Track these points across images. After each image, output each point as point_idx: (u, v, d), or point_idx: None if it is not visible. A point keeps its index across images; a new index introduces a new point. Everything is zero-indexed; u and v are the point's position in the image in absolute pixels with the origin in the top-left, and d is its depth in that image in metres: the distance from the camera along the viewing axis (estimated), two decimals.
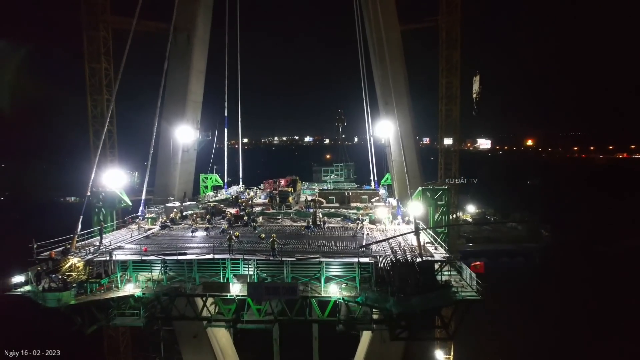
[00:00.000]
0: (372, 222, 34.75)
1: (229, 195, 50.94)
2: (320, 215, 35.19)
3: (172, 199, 44.67)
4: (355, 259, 25.12)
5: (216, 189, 55.22)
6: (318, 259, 25.23)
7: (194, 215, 36.97)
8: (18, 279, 27.99)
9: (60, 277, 25.76)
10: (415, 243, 27.00)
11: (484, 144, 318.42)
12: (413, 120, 44.20)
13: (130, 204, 37.29)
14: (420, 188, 33.79)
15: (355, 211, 38.55)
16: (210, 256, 26.05)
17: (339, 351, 55.90)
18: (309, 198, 43.97)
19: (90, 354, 48.32)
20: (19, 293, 26.58)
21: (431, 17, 47.60)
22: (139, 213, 37.75)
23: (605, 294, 71.16)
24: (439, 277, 24.92)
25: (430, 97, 53.87)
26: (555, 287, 75.33)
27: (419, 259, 24.76)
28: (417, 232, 27.02)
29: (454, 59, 47.07)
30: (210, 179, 55.49)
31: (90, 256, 26.67)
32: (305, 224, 34.44)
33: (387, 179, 53.89)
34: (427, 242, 28.83)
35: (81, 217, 30.27)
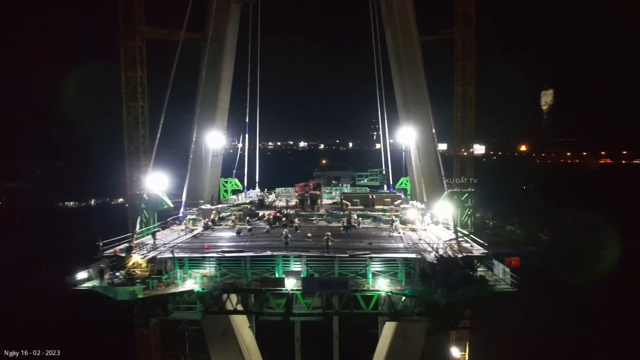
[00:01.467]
0: (403, 222, 37.00)
1: (251, 199, 52.98)
2: (355, 216, 37.39)
3: (202, 201, 46.56)
4: (402, 255, 27.31)
5: (235, 192, 57.14)
6: (368, 255, 27.37)
7: (233, 217, 38.88)
8: (81, 275, 29.84)
9: (124, 273, 27.58)
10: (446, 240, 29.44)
11: (479, 149, 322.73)
12: (433, 127, 46.76)
13: (172, 206, 39.16)
14: (448, 191, 36.23)
15: (382, 213, 40.84)
16: (268, 253, 28.02)
17: (358, 349, 58.00)
18: (334, 201, 46.15)
19: (120, 352, 49.84)
20: (86, 288, 28.35)
21: (447, 29, 50.29)
22: (180, 215, 39.54)
23: (607, 297, 73.91)
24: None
25: (440, 104, 56.39)
26: (556, 290, 77.99)
27: (459, 255, 27.11)
28: (456, 232, 29.38)
29: (469, 68, 49.87)
30: (230, 183, 57.41)
31: (154, 253, 28.42)
32: (339, 224, 36.66)
33: (402, 183, 56.34)
34: (460, 240, 31.10)
35: (138, 218, 32.04)
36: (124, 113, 44.98)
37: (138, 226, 37.54)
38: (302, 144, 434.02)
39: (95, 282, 27.91)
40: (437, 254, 27.17)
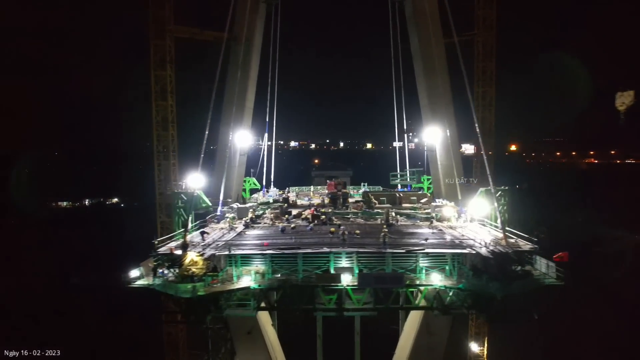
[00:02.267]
0: (439, 220, 37.94)
1: (270, 198, 53.43)
2: (393, 214, 38.19)
3: (229, 200, 46.82)
4: (458, 251, 28.25)
5: (253, 191, 57.46)
6: (425, 251, 28.18)
7: (272, 215, 39.31)
8: (134, 273, 30.00)
9: (181, 271, 27.80)
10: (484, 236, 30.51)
11: (469, 149, 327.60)
12: (457, 127, 47.94)
13: (210, 205, 39.44)
14: (482, 189, 37.29)
15: (415, 211, 41.80)
16: (326, 249, 28.59)
17: (379, 346, 58.80)
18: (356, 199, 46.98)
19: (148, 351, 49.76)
20: (141, 286, 28.52)
21: (467, 32, 51.47)
22: (218, 213, 39.79)
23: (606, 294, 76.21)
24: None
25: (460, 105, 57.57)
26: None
27: (510, 250, 28.12)
28: (504, 228, 30.41)
29: (489, 70, 51.17)
30: (248, 182, 57.66)
31: (212, 251, 28.72)
32: (375, 222, 37.46)
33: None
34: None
35: (190, 216, 32.29)
36: (152, 112, 44.96)
37: (178, 226, 37.88)
38: (292, 143, 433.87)
39: (150, 280, 28.10)
40: (488, 249, 28.10)
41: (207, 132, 38.41)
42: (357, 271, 28.80)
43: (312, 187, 66.96)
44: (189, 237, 33.86)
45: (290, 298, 30.41)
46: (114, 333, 60.32)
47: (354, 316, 55.87)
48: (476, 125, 45.49)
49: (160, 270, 29.11)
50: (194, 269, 28.04)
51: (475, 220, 37.09)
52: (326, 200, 45.18)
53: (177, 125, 46.27)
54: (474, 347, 55.64)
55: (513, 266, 27.32)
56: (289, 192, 60.95)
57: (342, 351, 57.17)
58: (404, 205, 45.55)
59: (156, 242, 28.82)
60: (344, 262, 29.35)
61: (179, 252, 28.60)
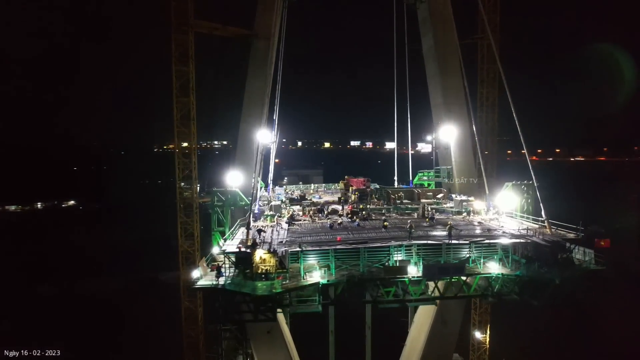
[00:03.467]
0: (469, 213, 39.95)
1: (281, 196, 53.36)
2: (429, 208, 39.71)
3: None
4: (515, 241, 30.16)
5: None
6: (485, 241, 29.84)
7: (310, 212, 39.52)
8: (195, 274, 29.38)
9: (253, 268, 27.56)
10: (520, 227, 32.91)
11: (425, 147, 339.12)
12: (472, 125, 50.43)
13: (249, 202, 38.94)
14: (509, 184, 39.82)
15: (438, 205, 43.65)
16: (393, 243, 29.48)
17: (389, 338, 60.42)
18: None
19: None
20: (209, 286, 27.94)
21: (474, 35, 54.15)
22: (256, 211, 39.35)
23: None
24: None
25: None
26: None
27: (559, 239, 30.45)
28: (547, 219, 32.75)
29: (493, 72, 54.20)
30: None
31: (284, 248, 28.66)
32: (414, 216, 38.86)
33: (418, 178, 59.50)
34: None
35: (249, 214, 31.93)
36: (174, 108, 43.55)
37: (216, 223, 37.23)
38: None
39: (214, 281, 27.67)
40: (540, 238, 30.24)
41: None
42: (413, 263, 29.87)
43: (312, 185, 67.31)
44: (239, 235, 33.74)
45: (352, 292, 31.08)
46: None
47: (365, 310, 57.53)
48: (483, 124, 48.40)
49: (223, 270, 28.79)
50: (265, 267, 27.95)
51: (504, 213, 39.36)
52: (352, 197, 45.90)
53: (196, 122, 45.16)
54: (477, 334, 58.60)
55: (562, 253, 29.64)
56: (292, 191, 60.95)
57: (353, 345, 58.44)
58: (422, 200, 47.30)
59: (224, 241, 28.31)
60: (404, 255, 30.40)
61: (248, 250, 28.36)
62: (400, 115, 58.02)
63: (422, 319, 52.99)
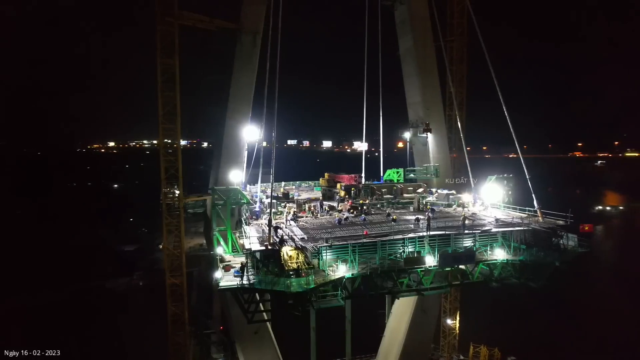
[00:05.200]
0: (459, 205, 42.34)
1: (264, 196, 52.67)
2: (424, 202, 41.41)
3: None
4: (519, 229, 32.58)
5: None
6: (496, 230, 31.98)
7: (313, 208, 39.47)
8: (218, 274, 28.43)
9: (285, 266, 27.14)
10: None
11: (361, 146, 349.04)
12: (446, 123, 53.27)
13: (250, 200, 38.07)
14: (492, 177, 42.81)
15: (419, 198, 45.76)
16: (412, 235, 30.52)
17: (367, 330, 61.83)
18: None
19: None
20: (233, 287, 27.13)
21: (444, 37, 56.87)
22: (256, 209, 38.51)
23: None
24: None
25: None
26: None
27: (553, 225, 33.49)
28: (540, 209, 35.74)
29: (461, 72, 57.58)
30: None
31: (312, 244, 28.49)
32: (410, 210, 40.40)
33: (388, 175, 61.63)
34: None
35: (271, 212, 31.24)
36: (159, 104, 41.03)
37: (215, 222, 36.02)
38: (183, 142, 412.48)
39: (239, 280, 27.03)
40: (537, 226, 33.06)
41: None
42: (424, 253, 31.25)
43: (282, 183, 66.82)
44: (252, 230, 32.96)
45: (371, 284, 31.70)
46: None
47: (344, 305, 58.39)
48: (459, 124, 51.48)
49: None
50: (293, 263, 27.65)
51: (489, 205, 42.21)
52: (342, 193, 46.45)
53: (180, 118, 42.93)
54: (448, 321, 61.98)
55: (555, 239, 32.67)
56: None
57: (334, 339, 58.98)
58: (405, 195, 49.17)
59: (247, 244, 27.61)
60: (416, 246, 31.64)
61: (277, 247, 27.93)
62: (359, 116, 59.38)
63: (402, 309, 55.01)
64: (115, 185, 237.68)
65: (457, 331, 62.67)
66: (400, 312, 55.47)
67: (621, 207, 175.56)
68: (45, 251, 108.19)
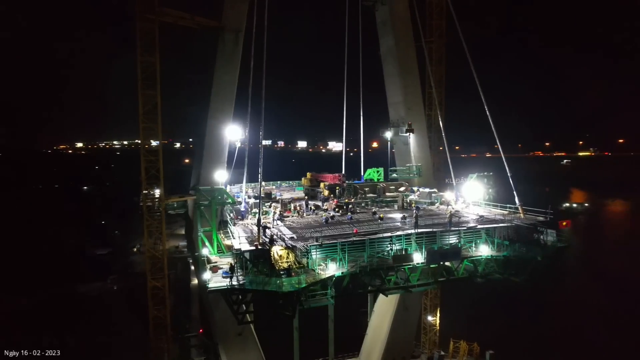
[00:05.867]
0: (442, 203, 43.07)
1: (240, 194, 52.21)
2: (408, 200, 41.86)
3: None
4: (503, 225, 33.36)
5: None
6: (482, 227, 32.65)
7: (298, 208, 39.29)
8: (207, 275, 27.97)
9: (276, 266, 26.91)
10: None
11: (336, 146, 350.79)
12: (429, 122, 54.10)
13: (235, 201, 37.58)
14: (473, 175, 43.73)
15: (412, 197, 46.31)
16: (400, 232, 30.82)
17: (350, 329, 62.04)
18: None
19: None
20: (223, 288, 26.73)
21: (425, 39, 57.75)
22: (242, 209, 38.03)
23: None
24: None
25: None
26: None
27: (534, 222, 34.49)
28: (521, 205, 36.73)
29: (440, 73, 58.59)
30: None
31: (302, 243, 28.34)
32: (394, 208, 40.82)
33: (369, 174, 62.18)
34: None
35: (260, 211, 30.85)
36: (139, 103, 39.96)
37: (200, 222, 35.43)
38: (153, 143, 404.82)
39: (228, 281, 26.68)
40: (519, 222, 33.97)
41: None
42: (410, 251, 31.65)
43: (263, 183, 66.32)
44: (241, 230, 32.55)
45: (358, 282, 31.81)
46: None
47: (333, 304, 58.59)
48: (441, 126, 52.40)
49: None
50: (284, 263, 27.46)
51: (471, 203, 43.12)
52: (325, 193, 46.45)
53: (160, 117, 41.92)
54: (429, 318, 62.95)
55: (536, 234, 33.68)
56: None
57: (317, 338, 58.91)
58: (387, 194, 49.66)
59: (237, 245, 27.24)
60: (403, 244, 32.00)
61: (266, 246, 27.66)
62: (338, 116, 59.57)
63: (385, 307, 55.53)
64: (85, 187, 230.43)
65: (438, 327, 63.72)
66: (383, 310, 55.99)
67: (587, 204, 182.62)
68: (9, 256, 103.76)
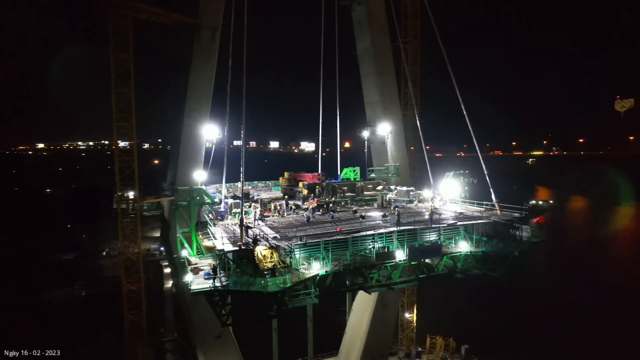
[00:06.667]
0: (420, 201, 43.67)
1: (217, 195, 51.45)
2: (387, 198, 42.18)
3: None
4: (482, 221, 34.12)
5: None
6: (461, 223, 33.25)
7: (278, 208, 38.90)
8: (189, 278, 27.36)
9: (261, 266, 26.49)
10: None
11: (309, 146, 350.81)
12: (404, 121, 54.72)
13: (214, 201, 36.89)
14: (450, 173, 44.60)
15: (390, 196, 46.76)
16: (383, 230, 31.01)
17: (330, 328, 62.01)
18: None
19: None
20: (206, 290, 26.16)
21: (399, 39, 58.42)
22: (222, 209, 37.32)
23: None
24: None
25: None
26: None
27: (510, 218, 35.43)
28: (498, 202, 37.64)
29: (415, 73, 59.42)
30: None
31: (286, 243, 28.03)
32: (374, 206, 41.08)
33: (345, 173, 62.46)
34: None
35: (242, 211, 30.30)
36: (113, 101, 38.54)
37: (178, 223, 34.62)
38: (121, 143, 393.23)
39: (211, 283, 26.16)
40: (497, 219, 34.84)
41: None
42: (393, 248, 31.93)
43: (238, 184, 65.55)
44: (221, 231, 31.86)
45: (341, 280, 31.79)
46: None
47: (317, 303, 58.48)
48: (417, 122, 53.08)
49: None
50: (268, 263, 27.08)
51: (448, 200, 43.93)
52: (305, 192, 46.23)
53: (134, 117, 40.62)
54: (406, 315, 63.79)
55: (512, 230, 34.65)
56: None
57: (297, 338, 58.65)
58: (366, 193, 49.94)
59: (220, 245, 26.70)
60: (385, 242, 32.23)
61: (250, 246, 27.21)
62: (310, 116, 59.61)
63: (363, 305, 55.88)
64: (48, 190, 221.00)
65: (415, 324, 64.69)
66: (362, 309, 56.29)
67: (551, 201, 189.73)
68: None
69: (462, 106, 41.81)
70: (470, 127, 41.33)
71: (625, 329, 70.85)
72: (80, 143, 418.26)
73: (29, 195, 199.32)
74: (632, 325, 71.37)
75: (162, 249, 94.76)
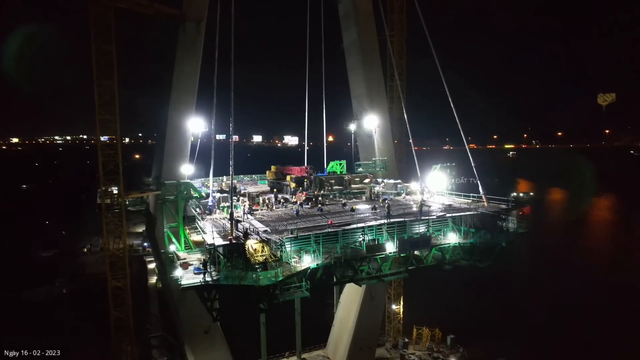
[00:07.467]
0: (408, 194, 43.90)
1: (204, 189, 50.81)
2: (375, 191, 42.26)
3: None
4: (469, 213, 34.45)
5: None
6: (449, 215, 33.52)
7: (267, 201, 38.59)
8: (179, 273, 27.01)
9: (252, 259, 26.24)
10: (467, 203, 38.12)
11: (292, 140, 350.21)
12: (389, 115, 54.84)
13: (202, 195, 36.36)
14: (437, 166, 44.91)
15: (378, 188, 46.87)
16: (374, 222, 31.03)
17: (317, 321, 62.16)
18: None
19: None
20: (196, 285, 25.84)
21: (384, 33, 58.33)
22: (210, 204, 36.82)
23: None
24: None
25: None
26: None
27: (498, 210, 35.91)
28: (485, 194, 38.08)
29: (401, 67, 59.52)
30: None
31: (277, 236, 27.81)
32: (362, 199, 41.12)
33: (332, 167, 62.40)
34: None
35: (232, 205, 29.88)
36: (95, 94, 37.46)
37: (165, 218, 34.02)
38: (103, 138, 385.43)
39: (203, 277, 25.86)
40: (484, 211, 35.26)
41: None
42: (383, 240, 32.05)
43: (224, 178, 64.88)
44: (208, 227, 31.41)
45: (332, 273, 31.77)
46: None
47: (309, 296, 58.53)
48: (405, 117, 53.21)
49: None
50: (259, 256, 26.85)
51: (435, 193, 44.30)
52: (293, 185, 45.96)
53: (118, 109, 39.58)
54: (393, 306, 64.40)
55: (499, 222, 35.15)
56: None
57: (285, 334, 58.62)
58: (353, 186, 50.01)
59: (210, 240, 26.34)
60: (375, 234, 32.32)
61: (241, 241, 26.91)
62: (294, 110, 59.38)
63: (351, 297, 56.16)
64: (25, 186, 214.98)
65: (402, 315, 65.39)
66: (349, 301, 56.58)
67: (531, 194, 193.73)
68: None
69: (450, 99, 41.98)
70: (457, 121, 41.57)
71: (603, 314, 73.14)
72: (57, 137, 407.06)
73: (4, 192, 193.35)
74: (609, 310, 73.86)
75: (145, 244, 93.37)
